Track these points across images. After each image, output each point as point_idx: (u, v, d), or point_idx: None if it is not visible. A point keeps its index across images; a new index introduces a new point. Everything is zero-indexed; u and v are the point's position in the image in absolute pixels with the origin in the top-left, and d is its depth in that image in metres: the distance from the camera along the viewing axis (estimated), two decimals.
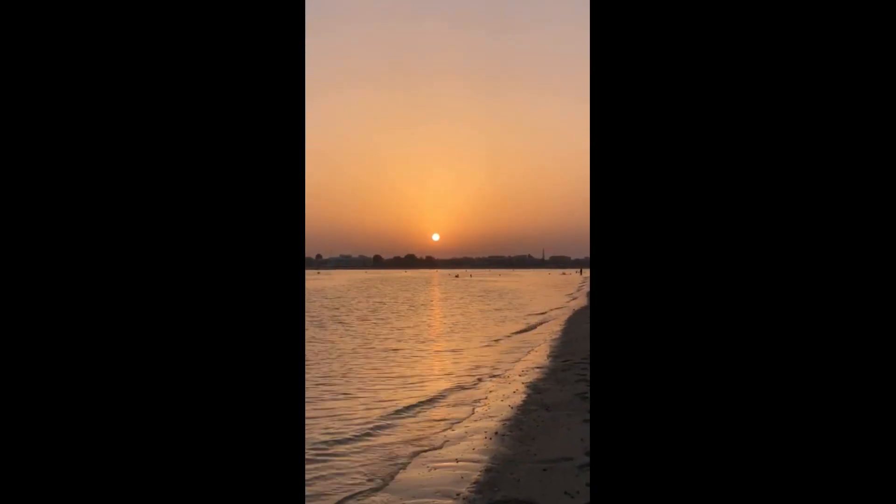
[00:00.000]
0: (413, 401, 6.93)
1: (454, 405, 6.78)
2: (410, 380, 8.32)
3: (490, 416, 6.10)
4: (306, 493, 4.06)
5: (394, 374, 8.73)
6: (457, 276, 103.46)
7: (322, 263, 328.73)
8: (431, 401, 6.96)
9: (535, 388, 7.48)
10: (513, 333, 14.24)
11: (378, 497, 4.00)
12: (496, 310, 22.75)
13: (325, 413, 6.33)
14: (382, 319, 18.14)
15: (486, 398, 7.11)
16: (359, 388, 7.70)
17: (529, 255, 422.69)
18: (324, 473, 4.45)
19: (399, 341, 12.68)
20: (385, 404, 6.75)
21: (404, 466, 4.60)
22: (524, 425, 5.63)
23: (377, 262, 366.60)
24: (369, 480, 4.30)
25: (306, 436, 5.51)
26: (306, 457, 4.80)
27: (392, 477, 4.37)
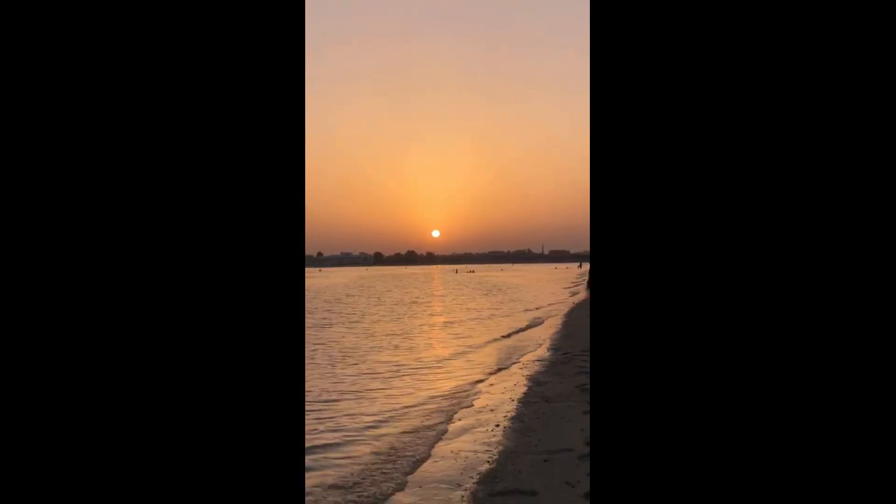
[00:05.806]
0: (428, 393, 7.13)
1: (456, 399, 6.91)
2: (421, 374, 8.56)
3: (491, 409, 6.21)
4: (310, 482, 4.15)
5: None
6: (455, 272, 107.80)
7: (323, 261, 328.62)
8: (434, 397, 7.11)
9: (535, 381, 7.60)
10: (517, 330, 14.26)
11: (382, 486, 4.12)
12: (504, 303, 22.99)
13: (339, 412, 6.41)
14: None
15: (487, 391, 7.26)
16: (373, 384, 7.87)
17: (529, 250, 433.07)
18: (340, 462, 4.58)
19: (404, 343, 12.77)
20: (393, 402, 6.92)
21: (413, 459, 4.72)
22: (525, 417, 5.73)
23: (378, 260, 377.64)
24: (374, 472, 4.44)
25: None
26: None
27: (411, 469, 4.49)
